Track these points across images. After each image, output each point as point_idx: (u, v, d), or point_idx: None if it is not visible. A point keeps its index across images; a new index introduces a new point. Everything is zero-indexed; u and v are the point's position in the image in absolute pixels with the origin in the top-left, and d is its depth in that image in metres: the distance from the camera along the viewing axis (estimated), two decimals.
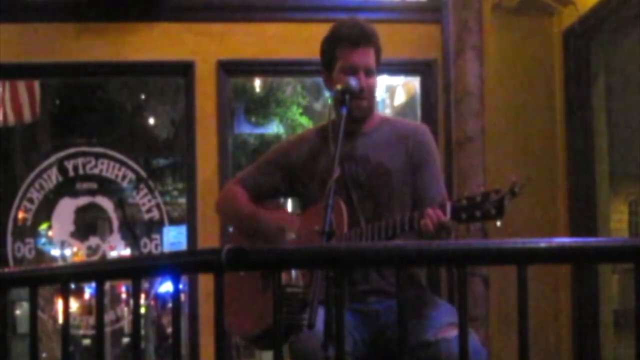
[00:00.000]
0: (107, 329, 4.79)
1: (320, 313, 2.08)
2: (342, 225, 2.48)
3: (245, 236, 2.77)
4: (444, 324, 2.40)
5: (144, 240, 4.64)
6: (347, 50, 2.62)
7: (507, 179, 2.20)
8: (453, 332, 2.31)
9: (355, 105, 2.57)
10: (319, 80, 6.88)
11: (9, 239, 4.50)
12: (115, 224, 4.70)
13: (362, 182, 2.61)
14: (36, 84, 5.38)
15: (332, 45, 2.65)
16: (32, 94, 5.37)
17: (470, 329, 2.25)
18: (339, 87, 2.53)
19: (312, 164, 2.68)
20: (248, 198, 2.77)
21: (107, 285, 3.59)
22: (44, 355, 5.91)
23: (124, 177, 4.58)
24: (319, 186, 2.51)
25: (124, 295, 7.55)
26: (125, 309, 5.13)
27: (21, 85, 5.32)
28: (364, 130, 2.69)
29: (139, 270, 1.81)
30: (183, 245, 4.46)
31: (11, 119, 5.41)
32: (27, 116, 5.42)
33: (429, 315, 2.47)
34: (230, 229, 3.58)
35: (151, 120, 7.65)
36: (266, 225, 2.68)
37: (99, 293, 1.85)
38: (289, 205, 5.05)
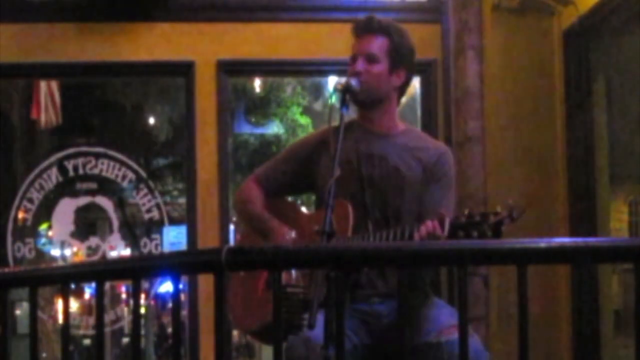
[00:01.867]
0: (107, 329, 4.78)
1: (320, 316, 2.08)
2: (346, 229, 2.48)
3: (259, 237, 2.76)
4: (446, 325, 2.40)
5: (144, 240, 4.64)
6: (353, 41, 2.66)
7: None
8: (456, 334, 2.31)
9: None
10: (319, 80, 6.95)
11: (9, 239, 4.49)
12: (115, 224, 4.69)
13: (376, 182, 2.61)
14: (54, 86, 5.42)
15: (352, 43, 2.69)
16: (54, 98, 5.43)
17: (472, 331, 2.26)
18: (339, 86, 2.53)
19: (327, 161, 2.66)
20: (263, 199, 2.76)
21: (107, 285, 3.59)
22: (44, 355, 5.91)
23: (124, 177, 4.58)
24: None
25: (124, 295, 7.56)
26: (125, 309, 5.14)
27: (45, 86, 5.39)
28: (386, 132, 2.69)
29: (139, 270, 1.81)
30: (183, 245, 4.45)
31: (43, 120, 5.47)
32: (51, 120, 5.48)
33: (431, 317, 2.47)
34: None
35: (151, 120, 7.66)
36: (276, 234, 2.66)
37: (99, 293, 1.85)
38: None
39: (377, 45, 2.62)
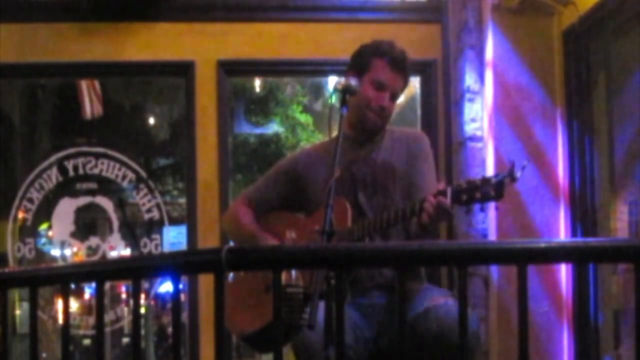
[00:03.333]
0: (107, 329, 4.78)
1: (321, 312, 2.09)
2: (345, 221, 2.53)
3: None
4: (434, 296, 2.47)
5: (144, 240, 4.64)
6: (385, 67, 2.70)
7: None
8: (442, 300, 2.38)
9: (372, 121, 2.69)
10: (319, 80, 6.95)
11: (9, 239, 4.49)
12: (115, 224, 4.69)
13: (368, 182, 2.68)
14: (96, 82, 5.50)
15: (372, 54, 2.72)
16: (95, 90, 5.50)
17: (452, 300, 2.36)
18: (339, 87, 2.53)
19: (317, 174, 2.74)
20: (252, 217, 2.83)
21: (107, 285, 3.59)
22: (44, 355, 5.91)
23: (124, 177, 4.58)
24: (322, 193, 2.51)
25: (124, 295, 7.55)
26: (125, 309, 5.13)
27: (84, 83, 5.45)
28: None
29: (139, 270, 1.81)
30: (183, 245, 4.45)
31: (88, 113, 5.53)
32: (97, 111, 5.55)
33: (422, 295, 2.52)
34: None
35: (151, 120, 7.66)
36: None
37: (99, 293, 1.85)
38: None
39: (401, 86, 2.75)
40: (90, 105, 5.47)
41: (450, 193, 2.33)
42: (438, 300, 2.42)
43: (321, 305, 2.10)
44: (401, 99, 5.53)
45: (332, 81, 4.75)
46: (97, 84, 5.52)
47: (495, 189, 2.25)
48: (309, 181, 2.76)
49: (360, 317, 2.55)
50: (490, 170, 4.00)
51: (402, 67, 2.71)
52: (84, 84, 5.46)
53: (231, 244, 3.29)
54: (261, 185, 2.88)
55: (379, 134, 2.76)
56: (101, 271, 1.88)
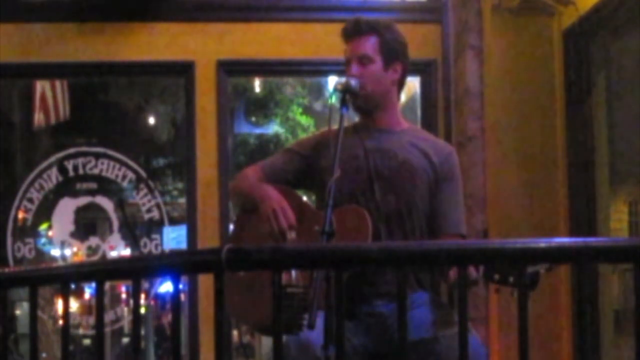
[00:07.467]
0: (107, 329, 4.78)
1: (319, 316, 2.08)
2: (366, 235, 2.46)
3: (252, 216, 2.69)
4: (444, 321, 2.42)
5: (144, 240, 4.64)
6: (345, 46, 2.67)
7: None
8: (452, 330, 2.32)
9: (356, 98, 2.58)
10: (319, 80, 6.95)
11: (9, 239, 4.49)
12: (115, 224, 4.69)
13: (386, 176, 2.59)
14: (57, 84, 5.45)
15: (343, 48, 2.69)
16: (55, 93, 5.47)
17: (471, 328, 2.27)
18: (339, 87, 2.53)
19: (328, 161, 2.64)
20: (261, 178, 2.71)
21: (107, 285, 3.59)
22: (44, 355, 5.91)
23: (124, 177, 4.58)
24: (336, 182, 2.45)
25: (124, 295, 7.55)
26: (125, 309, 5.13)
27: (47, 85, 5.41)
28: (391, 128, 2.68)
29: (139, 270, 1.81)
30: (183, 245, 4.45)
31: (42, 120, 5.50)
32: (54, 117, 5.51)
33: (430, 314, 2.48)
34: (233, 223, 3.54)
35: (151, 120, 7.65)
36: (264, 199, 2.58)
37: (99, 293, 1.85)
38: None
39: (368, 45, 2.62)
40: (44, 112, 5.45)
41: (483, 268, 2.27)
42: (448, 329, 2.37)
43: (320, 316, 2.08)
44: (402, 99, 5.54)
45: (332, 81, 4.74)
46: (48, 91, 5.47)
47: (531, 278, 2.16)
48: (321, 165, 2.65)
49: (359, 325, 2.50)
50: (490, 171, 4.01)
51: (354, 31, 2.63)
52: (37, 92, 5.41)
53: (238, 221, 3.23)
54: (276, 158, 2.81)
55: (390, 114, 2.69)
56: (101, 271, 1.88)
